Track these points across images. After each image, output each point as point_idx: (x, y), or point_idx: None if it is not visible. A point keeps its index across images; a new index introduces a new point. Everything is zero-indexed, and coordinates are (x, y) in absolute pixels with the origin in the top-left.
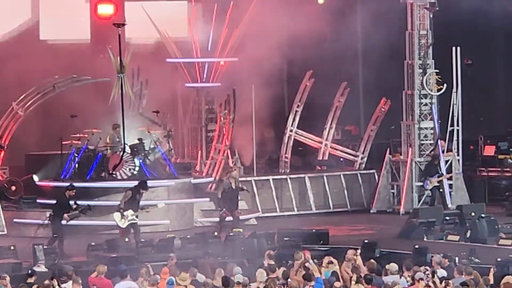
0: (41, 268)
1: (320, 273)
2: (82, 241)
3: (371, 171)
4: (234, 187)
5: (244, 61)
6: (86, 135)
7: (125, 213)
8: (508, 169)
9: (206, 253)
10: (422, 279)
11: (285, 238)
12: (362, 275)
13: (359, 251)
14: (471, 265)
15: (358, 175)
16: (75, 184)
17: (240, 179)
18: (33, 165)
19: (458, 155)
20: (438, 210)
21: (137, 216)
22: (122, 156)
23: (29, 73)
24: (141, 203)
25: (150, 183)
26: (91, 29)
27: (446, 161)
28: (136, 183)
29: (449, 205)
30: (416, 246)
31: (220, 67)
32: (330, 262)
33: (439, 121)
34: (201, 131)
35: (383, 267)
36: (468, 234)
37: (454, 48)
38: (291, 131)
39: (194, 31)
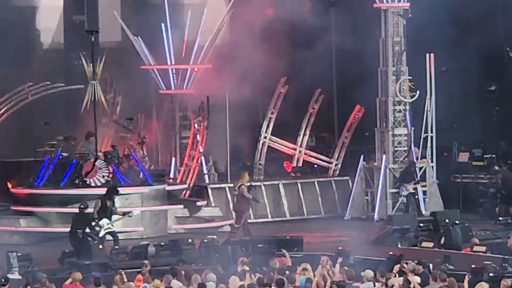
0: (15, 275)
1: (295, 280)
2: (55, 248)
3: (345, 178)
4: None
5: (218, 67)
6: (61, 142)
7: (100, 222)
8: (485, 177)
9: (180, 260)
10: (394, 285)
11: (259, 245)
12: (336, 280)
13: (339, 259)
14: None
15: (332, 181)
16: (50, 192)
17: (214, 186)
18: (7, 172)
19: (432, 162)
20: (412, 216)
21: (112, 225)
22: (95, 163)
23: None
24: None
25: (124, 190)
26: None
27: (420, 168)
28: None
29: (423, 212)
30: (390, 253)
31: (194, 74)
32: (305, 269)
33: (413, 128)
34: (175, 138)
35: (358, 274)
36: (442, 241)
37: (428, 55)
38: (265, 137)
39: (168, 38)
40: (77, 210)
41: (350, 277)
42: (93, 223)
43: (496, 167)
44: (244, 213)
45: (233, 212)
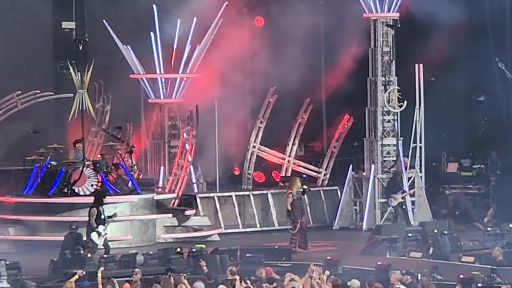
0: (3, 283)
1: None
2: (44, 257)
3: (334, 187)
4: (299, 196)
5: (207, 77)
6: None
7: (99, 230)
8: (473, 187)
9: (169, 269)
10: None
11: (247, 254)
12: None
13: (327, 272)
14: (434, 282)
15: (321, 191)
16: (38, 200)
17: (203, 195)
18: None
19: (420, 172)
20: (400, 226)
21: (107, 230)
22: (82, 171)
23: None
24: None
25: (113, 199)
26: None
27: (409, 178)
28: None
29: (412, 222)
30: (379, 263)
31: (184, 83)
32: (292, 280)
33: (402, 138)
34: (164, 147)
35: (345, 284)
36: (430, 251)
37: (417, 65)
38: (254, 147)
39: (157, 47)
40: (65, 219)
41: (336, 286)
42: (94, 233)
43: (447, 191)
44: (298, 219)
45: (288, 219)
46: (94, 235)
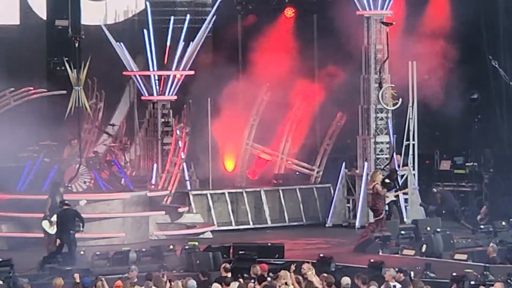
0: None
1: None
2: (37, 254)
3: (327, 185)
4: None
5: (201, 74)
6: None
7: (51, 219)
8: (466, 185)
9: (162, 266)
10: None
11: (240, 252)
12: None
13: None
14: (426, 280)
15: (314, 189)
16: (31, 197)
17: (196, 192)
18: None
19: (413, 169)
20: (393, 224)
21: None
22: (79, 168)
23: None
24: (96, 216)
25: (106, 196)
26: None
27: (402, 176)
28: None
29: (405, 220)
30: (372, 260)
31: (177, 80)
32: (285, 283)
33: (395, 136)
34: (157, 144)
35: (338, 282)
36: (423, 249)
37: (410, 63)
38: (247, 144)
39: (150, 44)
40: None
41: (329, 284)
42: (45, 221)
43: (434, 189)
44: (380, 210)
45: (370, 210)
46: (45, 224)
